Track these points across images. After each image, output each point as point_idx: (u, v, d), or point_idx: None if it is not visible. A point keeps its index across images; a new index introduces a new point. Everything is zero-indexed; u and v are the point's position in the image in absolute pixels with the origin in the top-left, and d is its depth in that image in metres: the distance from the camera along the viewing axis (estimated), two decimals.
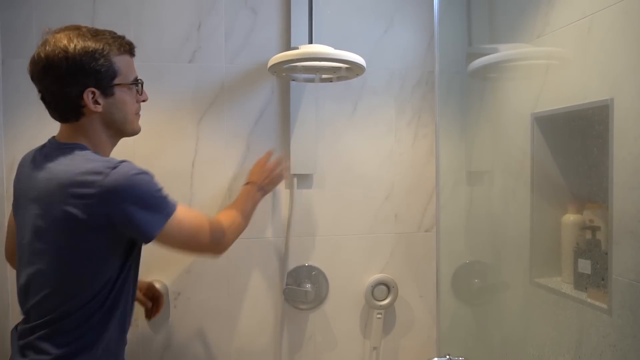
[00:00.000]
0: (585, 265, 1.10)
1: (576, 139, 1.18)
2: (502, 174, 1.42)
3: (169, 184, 1.37)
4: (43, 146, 0.95)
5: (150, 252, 1.37)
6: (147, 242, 0.91)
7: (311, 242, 1.47)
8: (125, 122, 0.96)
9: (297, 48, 1.26)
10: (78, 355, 0.88)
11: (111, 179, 0.83)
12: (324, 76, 1.35)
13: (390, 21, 1.48)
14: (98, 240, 0.87)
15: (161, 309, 1.24)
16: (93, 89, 0.88)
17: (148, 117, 1.19)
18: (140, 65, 1.34)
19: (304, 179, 1.46)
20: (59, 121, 0.93)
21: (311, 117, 1.42)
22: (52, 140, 0.95)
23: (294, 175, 1.43)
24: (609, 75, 0.99)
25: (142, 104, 1.01)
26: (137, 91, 0.98)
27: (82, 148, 0.90)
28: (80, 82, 0.87)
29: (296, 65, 1.25)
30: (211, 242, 1.01)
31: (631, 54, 0.93)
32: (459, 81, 1.45)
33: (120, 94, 0.93)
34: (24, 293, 0.91)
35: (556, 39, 1.16)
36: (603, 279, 1.03)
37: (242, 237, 1.42)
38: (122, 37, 0.94)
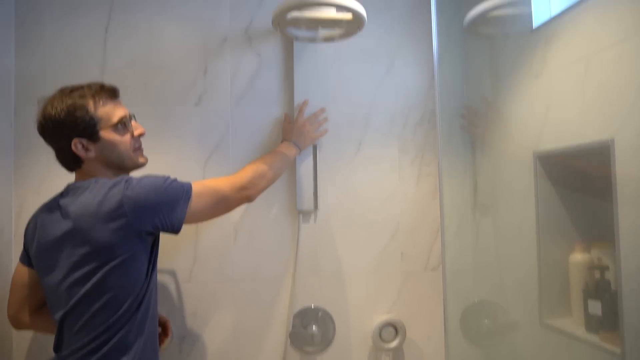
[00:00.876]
0: (595, 306, 1.08)
1: (580, 177, 1.18)
2: (507, 212, 1.42)
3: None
4: (62, 192, 1.03)
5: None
6: (177, 232, 1.00)
7: (317, 282, 1.46)
8: (122, 159, 1.05)
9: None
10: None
11: (130, 190, 0.95)
12: (325, 34, 1.33)
13: (391, 61, 1.52)
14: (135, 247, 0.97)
15: (169, 335, 1.27)
16: (78, 139, 0.99)
17: (155, 159, 1.22)
18: (148, 109, 1.40)
19: (308, 217, 1.46)
20: (69, 170, 1.06)
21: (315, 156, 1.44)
22: (71, 184, 1.04)
23: (299, 212, 1.44)
24: (609, 116, 1.00)
25: (147, 141, 1.11)
26: (126, 128, 1.05)
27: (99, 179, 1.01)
28: (66, 136, 0.99)
29: (299, 18, 1.24)
30: (237, 195, 1.11)
31: (629, 94, 0.94)
32: (461, 121, 1.47)
33: (107, 136, 1.01)
34: (59, 332, 0.98)
35: (554, 79, 1.17)
36: (615, 321, 1.00)
37: (247, 279, 1.43)
38: (100, 86, 1.03)
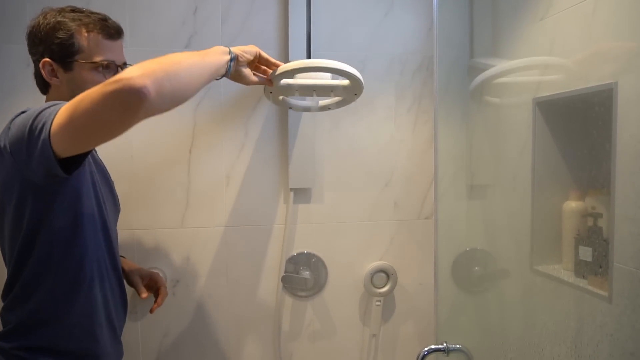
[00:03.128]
0: (586, 253, 1.09)
1: (579, 123, 1.15)
2: (503, 160, 1.40)
3: (166, 171, 1.38)
4: None
5: (148, 240, 1.38)
6: (54, 166, 0.78)
7: (310, 230, 1.46)
8: None
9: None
10: (38, 328, 0.89)
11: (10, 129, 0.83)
12: (321, 103, 1.27)
13: (390, 4, 1.45)
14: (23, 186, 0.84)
15: (163, 300, 1.22)
16: (49, 61, 0.92)
17: None
18: (135, 50, 1.34)
19: (303, 171, 1.44)
20: (42, 93, 0.99)
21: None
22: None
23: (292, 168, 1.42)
24: (613, 59, 0.96)
25: None
26: (108, 73, 0.94)
27: None
28: (38, 53, 0.93)
29: (292, 85, 1.15)
30: (110, 88, 0.70)
31: (636, 36, 0.90)
32: (460, 66, 1.43)
33: (80, 71, 0.93)
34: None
35: (559, 21, 1.13)
36: (603, 267, 1.01)
37: (240, 224, 1.43)
38: (101, 17, 0.95)
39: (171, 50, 1.34)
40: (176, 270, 1.40)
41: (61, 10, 0.94)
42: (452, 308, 1.45)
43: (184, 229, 1.40)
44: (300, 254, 1.46)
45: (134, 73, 0.70)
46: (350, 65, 1.43)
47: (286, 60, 1.36)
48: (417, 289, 1.52)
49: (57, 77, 0.93)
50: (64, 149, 0.76)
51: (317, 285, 1.47)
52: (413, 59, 1.48)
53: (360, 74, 1.44)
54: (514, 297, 1.33)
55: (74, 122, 0.72)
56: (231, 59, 0.94)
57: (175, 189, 1.39)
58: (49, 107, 0.80)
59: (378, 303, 1.47)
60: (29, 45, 0.95)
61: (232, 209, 1.42)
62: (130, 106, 0.70)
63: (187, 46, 1.37)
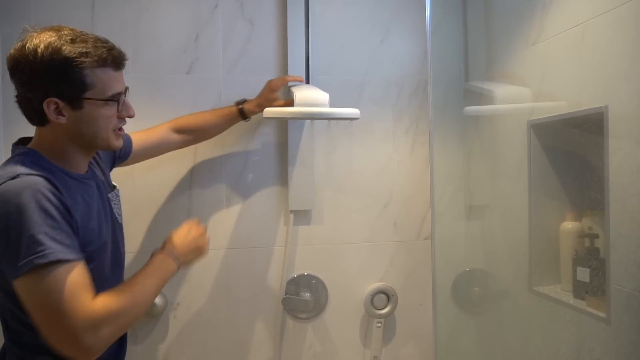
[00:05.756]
0: (584, 274, 1.09)
1: (573, 145, 1.17)
2: (500, 181, 1.42)
3: (168, 193, 1.40)
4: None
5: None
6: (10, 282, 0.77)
7: (310, 251, 1.47)
8: (96, 138, 0.88)
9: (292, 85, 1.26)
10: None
11: None
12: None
13: (386, 30, 1.49)
14: None
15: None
16: (55, 100, 0.82)
17: (146, 127, 1.21)
18: (138, 77, 1.37)
19: (303, 193, 1.46)
20: (29, 121, 0.88)
21: (309, 128, 1.43)
22: (14, 143, 0.90)
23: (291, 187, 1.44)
24: (603, 82, 0.99)
25: (137, 109, 0.93)
26: (117, 105, 0.89)
27: (27, 155, 0.84)
28: (42, 90, 0.82)
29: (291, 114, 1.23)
30: (71, 335, 0.74)
31: (624, 60, 0.93)
32: (456, 89, 1.46)
33: (91, 108, 0.85)
34: None
35: (551, 46, 1.16)
36: (601, 288, 1.02)
37: (241, 247, 1.44)
38: (109, 47, 0.86)
39: (173, 77, 1.38)
40: (177, 292, 1.41)
41: (58, 37, 0.81)
42: (453, 329, 1.44)
43: None
44: (301, 276, 1.46)
45: (97, 344, 0.76)
46: (348, 90, 1.47)
47: (286, 86, 1.39)
48: (418, 310, 1.52)
49: (64, 115, 0.84)
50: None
51: (317, 307, 1.47)
52: (409, 82, 1.51)
53: (358, 97, 1.48)
54: (514, 318, 1.33)
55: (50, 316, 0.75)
56: (181, 265, 0.99)
57: (177, 212, 1.40)
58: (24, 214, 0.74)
59: (379, 324, 1.47)
60: (20, 76, 0.82)
61: (233, 231, 1.43)
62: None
63: (189, 72, 1.40)
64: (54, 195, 0.79)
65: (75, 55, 0.81)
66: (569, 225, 1.18)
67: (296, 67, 1.41)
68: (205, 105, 1.40)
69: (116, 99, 0.88)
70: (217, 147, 1.41)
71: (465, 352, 1.41)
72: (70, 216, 0.81)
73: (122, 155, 1.13)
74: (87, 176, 0.93)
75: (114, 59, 0.86)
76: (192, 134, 1.28)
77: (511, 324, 1.33)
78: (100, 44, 0.85)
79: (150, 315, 1.37)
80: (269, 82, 1.32)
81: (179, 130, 1.26)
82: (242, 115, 1.30)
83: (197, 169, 1.41)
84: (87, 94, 0.84)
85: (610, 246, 0.97)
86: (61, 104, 0.83)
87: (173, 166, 1.40)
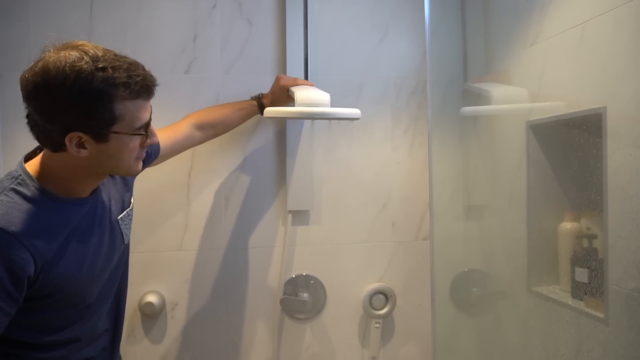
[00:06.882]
0: (582, 274, 1.09)
1: (571, 146, 1.17)
2: (498, 182, 1.42)
3: (166, 194, 1.40)
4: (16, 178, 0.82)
5: (147, 263, 1.38)
6: None
7: (309, 252, 1.47)
8: (117, 168, 0.84)
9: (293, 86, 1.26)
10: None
11: None
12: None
13: (385, 30, 1.49)
14: None
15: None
16: (79, 134, 0.75)
17: None
18: None
19: (302, 193, 1.46)
20: (39, 142, 0.81)
21: (308, 127, 1.43)
22: (20, 161, 0.84)
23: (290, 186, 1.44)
24: (602, 83, 0.99)
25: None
26: (144, 134, 0.82)
27: (13, 181, 0.79)
28: (65, 124, 0.74)
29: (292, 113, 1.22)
30: None
31: (623, 61, 0.93)
32: (455, 89, 1.46)
33: (117, 141, 0.77)
34: None
35: (549, 47, 1.16)
36: (600, 288, 1.02)
37: (239, 247, 1.44)
38: (143, 76, 0.77)
39: (171, 76, 1.38)
40: (175, 293, 1.40)
41: (84, 62, 0.72)
42: (451, 329, 1.44)
43: (183, 252, 1.40)
44: (299, 276, 1.46)
45: None
46: (347, 90, 1.47)
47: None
48: (416, 310, 1.52)
49: (85, 149, 0.76)
50: None
51: (315, 307, 1.47)
52: (408, 82, 1.50)
53: (357, 97, 1.48)
54: (513, 319, 1.33)
55: None
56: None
57: (175, 212, 1.40)
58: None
59: (377, 325, 1.47)
60: (42, 108, 0.74)
61: (231, 232, 1.43)
62: None
63: (187, 72, 1.40)
64: (14, 264, 0.74)
65: (108, 88, 0.73)
66: (567, 225, 1.18)
67: (295, 67, 1.41)
68: (203, 105, 1.40)
69: (144, 130, 0.81)
70: (216, 147, 1.41)
71: (464, 352, 1.41)
72: (23, 286, 0.75)
73: (149, 159, 1.08)
74: (86, 200, 0.85)
75: (148, 89, 0.78)
76: (213, 129, 1.27)
77: (510, 325, 1.33)
78: (133, 72, 0.76)
79: (149, 316, 1.37)
80: (280, 79, 1.30)
81: (202, 127, 1.24)
82: (261, 110, 1.29)
83: (196, 169, 1.41)
84: (115, 128, 0.76)
85: (608, 247, 0.97)
86: (85, 137, 0.75)
87: (171, 166, 1.39)
